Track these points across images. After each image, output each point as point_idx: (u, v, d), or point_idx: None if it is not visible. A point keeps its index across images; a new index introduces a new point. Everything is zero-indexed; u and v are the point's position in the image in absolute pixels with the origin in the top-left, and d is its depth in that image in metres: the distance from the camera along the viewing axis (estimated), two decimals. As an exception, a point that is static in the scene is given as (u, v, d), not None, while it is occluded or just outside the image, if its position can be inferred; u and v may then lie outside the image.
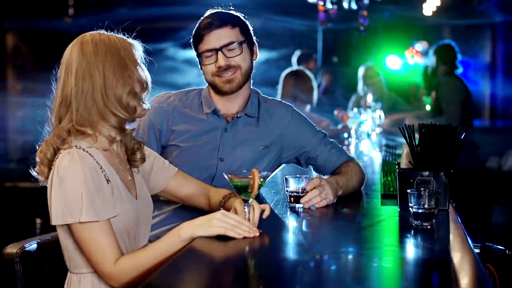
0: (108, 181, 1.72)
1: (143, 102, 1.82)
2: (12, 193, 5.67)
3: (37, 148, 1.77)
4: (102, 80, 1.72)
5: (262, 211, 1.81)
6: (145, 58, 1.87)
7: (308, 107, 5.04)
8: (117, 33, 1.85)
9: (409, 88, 6.37)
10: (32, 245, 1.90)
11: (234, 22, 2.30)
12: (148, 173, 1.99)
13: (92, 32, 1.81)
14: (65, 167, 1.65)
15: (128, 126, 1.85)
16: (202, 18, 2.34)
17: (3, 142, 6.44)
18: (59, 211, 1.65)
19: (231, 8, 2.38)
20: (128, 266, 1.66)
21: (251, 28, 2.38)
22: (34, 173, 1.77)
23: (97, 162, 1.71)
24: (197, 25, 2.33)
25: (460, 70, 5.30)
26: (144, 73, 1.82)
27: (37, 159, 1.76)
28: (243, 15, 2.38)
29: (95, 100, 1.72)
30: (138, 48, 1.84)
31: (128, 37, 1.85)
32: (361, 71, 6.37)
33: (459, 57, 5.30)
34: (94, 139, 1.75)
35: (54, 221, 1.67)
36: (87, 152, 1.70)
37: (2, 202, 5.55)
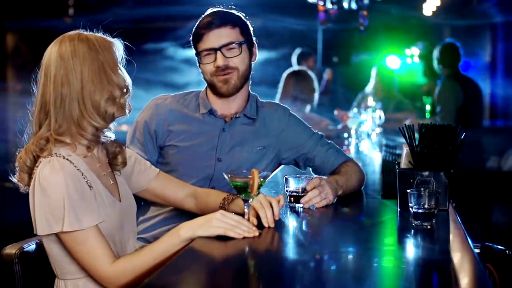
0: (90, 187, 1.70)
1: (122, 108, 1.78)
2: (12, 193, 5.65)
3: (17, 154, 1.75)
4: (79, 87, 1.70)
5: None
6: (126, 58, 1.83)
7: (308, 107, 5.04)
8: (97, 32, 1.81)
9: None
10: (31, 246, 1.90)
11: (234, 22, 2.29)
12: (129, 174, 1.98)
13: (71, 32, 1.77)
14: (46, 177, 1.64)
15: (108, 133, 1.83)
16: (202, 16, 2.32)
17: (3, 142, 6.43)
18: (43, 221, 1.64)
19: (232, 6, 2.37)
20: (126, 268, 1.65)
21: (251, 29, 2.37)
22: (14, 180, 1.75)
23: (78, 169, 1.69)
24: (197, 24, 2.31)
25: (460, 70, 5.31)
26: (124, 75, 1.79)
27: (17, 166, 1.74)
28: (244, 15, 2.36)
29: (72, 108, 1.70)
30: (118, 48, 1.80)
31: (107, 36, 1.81)
32: (374, 71, 6.39)
33: (462, 55, 5.29)
34: (73, 147, 1.73)
35: (40, 231, 1.66)
36: (67, 159, 1.68)
37: (2, 202, 5.54)
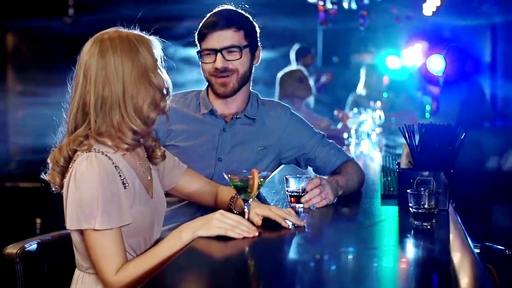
0: (126, 186, 1.68)
1: (163, 111, 1.75)
2: (12, 193, 5.66)
3: (51, 152, 1.73)
4: (121, 90, 1.66)
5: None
6: (163, 57, 1.79)
7: (311, 100, 5.07)
8: (134, 29, 1.77)
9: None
10: (32, 245, 1.90)
11: (239, 24, 2.27)
12: (161, 171, 1.97)
13: (110, 30, 1.73)
14: (82, 172, 1.62)
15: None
16: (209, 14, 2.30)
17: (3, 142, 6.43)
18: (74, 216, 1.63)
19: (245, 6, 2.34)
20: (130, 273, 1.65)
21: (257, 31, 2.35)
22: (46, 178, 1.73)
23: (116, 166, 1.67)
24: (203, 21, 2.29)
25: (468, 69, 5.32)
26: (164, 76, 1.75)
27: (49, 164, 1.72)
28: (251, 17, 2.33)
29: (114, 113, 1.67)
30: (157, 46, 1.76)
31: (145, 33, 1.77)
32: (363, 71, 6.39)
33: (467, 58, 5.32)
34: (114, 148, 1.70)
35: (69, 225, 1.65)
36: (106, 155, 1.66)
37: (2, 202, 5.55)
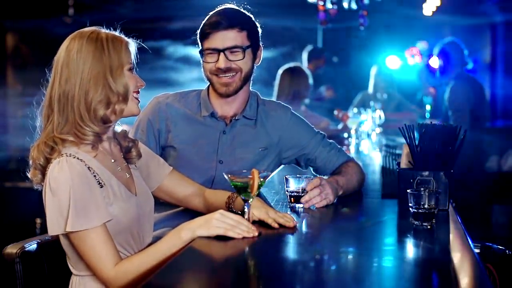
0: (101, 185, 1.70)
1: (118, 114, 1.76)
2: (12, 193, 5.66)
3: (30, 150, 1.75)
4: (78, 86, 1.70)
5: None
6: (138, 58, 1.81)
7: (305, 104, 5.05)
8: (114, 30, 1.80)
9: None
10: (32, 245, 1.90)
11: (242, 25, 2.26)
12: (143, 170, 1.98)
13: (85, 29, 1.77)
14: (55, 178, 1.65)
15: (117, 127, 1.85)
16: (211, 13, 2.29)
17: (3, 142, 6.42)
18: (54, 222, 1.66)
19: (247, 5, 2.33)
20: (128, 271, 1.65)
21: (259, 31, 2.34)
22: (29, 175, 1.76)
23: (88, 168, 1.69)
24: (205, 20, 2.28)
25: (470, 66, 5.30)
26: (126, 81, 1.76)
27: (30, 163, 1.75)
28: (253, 17, 2.32)
29: (70, 108, 1.71)
30: (130, 50, 1.78)
31: (122, 35, 1.79)
32: (373, 70, 6.39)
33: (466, 52, 5.30)
34: (78, 145, 1.72)
35: (50, 231, 1.67)
36: (77, 158, 1.69)
37: (2, 202, 5.55)
